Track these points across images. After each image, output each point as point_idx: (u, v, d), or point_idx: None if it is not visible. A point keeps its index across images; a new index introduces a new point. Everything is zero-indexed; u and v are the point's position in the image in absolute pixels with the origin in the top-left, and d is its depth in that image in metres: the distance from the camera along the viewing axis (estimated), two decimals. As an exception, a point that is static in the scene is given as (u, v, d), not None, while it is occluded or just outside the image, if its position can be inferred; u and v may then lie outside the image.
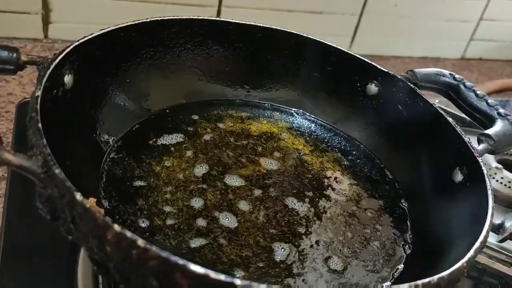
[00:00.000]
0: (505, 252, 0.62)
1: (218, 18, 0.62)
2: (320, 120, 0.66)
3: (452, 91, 0.61)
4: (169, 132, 0.58)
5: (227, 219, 0.49)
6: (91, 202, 0.33)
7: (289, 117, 0.66)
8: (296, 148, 0.61)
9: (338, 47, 0.64)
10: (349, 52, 0.63)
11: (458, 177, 0.52)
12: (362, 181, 0.59)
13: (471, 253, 0.39)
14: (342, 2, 0.99)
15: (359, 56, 0.63)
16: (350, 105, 0.65)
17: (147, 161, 0.53)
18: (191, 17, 0.60)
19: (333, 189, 0.57)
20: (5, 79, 0.75)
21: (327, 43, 0.64)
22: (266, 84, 0.67)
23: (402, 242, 0.52)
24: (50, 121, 0.39)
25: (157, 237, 0.45)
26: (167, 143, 0.56)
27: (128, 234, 0.31)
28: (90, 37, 0.49)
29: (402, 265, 0.49)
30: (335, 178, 0.58)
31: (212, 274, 0.30)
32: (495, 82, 1.09)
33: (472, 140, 0.52)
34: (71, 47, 0.46)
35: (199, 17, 0.60)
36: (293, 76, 0.66)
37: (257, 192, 0.53)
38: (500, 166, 0.70)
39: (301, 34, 0.64)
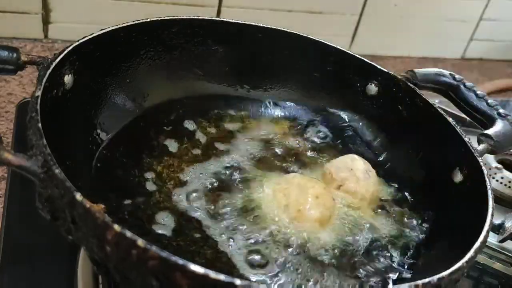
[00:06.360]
0: (505, 252, 0.62)
1: (218, 18, 0.62)
2: (320, 120, 0.66)
3: (452, 91, 0.61)
4: (169, 132, 0.58)
5: (225, 220, 0.49)
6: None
7: (289, 116, 0.66)
8: (296, 148, 0.61)
9: (338, 47, 0.64)
10: (349, 52, 0.64)
11: (458, 177, 0.52)
12: (362, 181, 0.59)
13: (471, 253, 0.39)
14: (342, 2, 0.99)
15: (359, 56, 0.63)
16: (350, 105, 0.65)
17: (147, 161, 0.53)
18: (191, 17, 0.60)
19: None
20: (5, 79, 0.75)
21: (327, 43, 0.64)
22: (266, 84, 0.67)
23: (402, 242, 0.52)
24: (50, 121, 0.39)
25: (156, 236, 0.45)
26: (167, 143, 0.56)
27: (128, 234, 0.31)
28: (90, 37, 0.49)
29: (402, 265, 0.49)
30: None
31: (212, 274, 0.30)
32: (495, 82, 1.09)
33: (472, 140, 0.52)
34: (71, 47, 0.47)
35: (199, 17, 0.60)
36: (293, 76, 0.66)
37: (257, 193, 0.53)
38: (500, 166, 0.70)
39: (301, 34, 0.64)
